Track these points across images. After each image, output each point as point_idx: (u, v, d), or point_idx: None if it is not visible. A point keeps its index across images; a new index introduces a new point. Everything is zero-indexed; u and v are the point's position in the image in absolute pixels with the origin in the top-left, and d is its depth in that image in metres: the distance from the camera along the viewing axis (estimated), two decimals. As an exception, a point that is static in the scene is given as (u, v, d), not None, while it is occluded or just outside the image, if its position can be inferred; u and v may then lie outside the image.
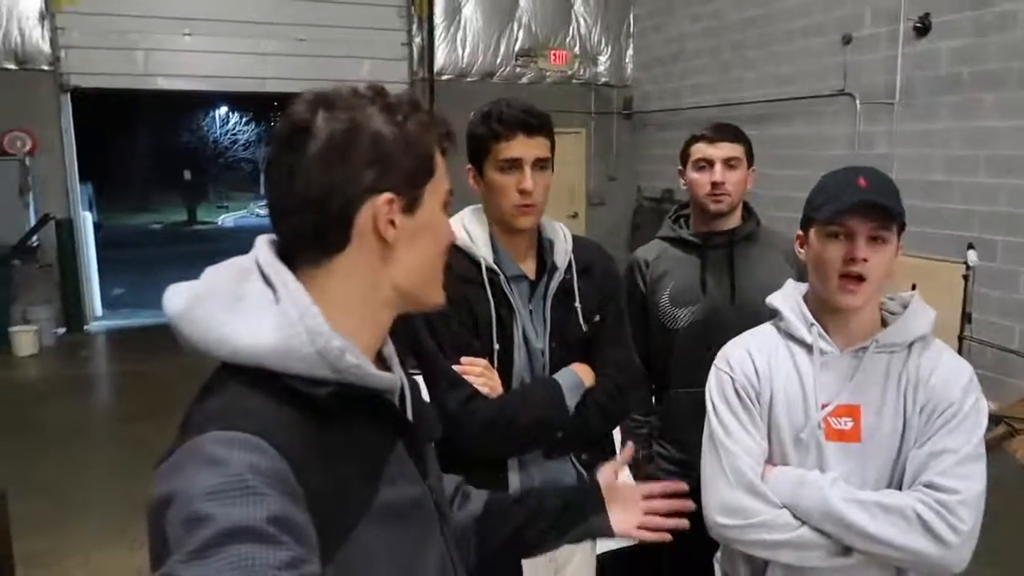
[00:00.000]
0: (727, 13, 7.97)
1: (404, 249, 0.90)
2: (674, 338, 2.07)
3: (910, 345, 1.41)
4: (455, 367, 1.56)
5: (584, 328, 1.69)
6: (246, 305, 0.84)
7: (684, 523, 1.26)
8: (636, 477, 2.29)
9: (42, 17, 7.76)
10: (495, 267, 1.63)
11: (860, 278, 1.35)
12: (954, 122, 5.61)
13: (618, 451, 1.84)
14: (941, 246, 5.62)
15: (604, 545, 1.99)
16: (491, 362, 1.62)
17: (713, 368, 1.54)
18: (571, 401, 1.61)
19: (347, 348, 0.84)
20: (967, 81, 5.49)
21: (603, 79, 9.84)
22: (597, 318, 1.71)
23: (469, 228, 1.67)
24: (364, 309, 0.91)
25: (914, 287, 5.31)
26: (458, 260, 1.62)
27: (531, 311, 1.68)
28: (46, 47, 7.81)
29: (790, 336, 1.47)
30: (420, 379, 1.12)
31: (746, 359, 1.49)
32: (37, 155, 7.85)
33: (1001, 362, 5.37)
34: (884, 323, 1.45)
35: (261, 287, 0.86)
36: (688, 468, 2.08)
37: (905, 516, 1.30)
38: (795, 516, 1.37)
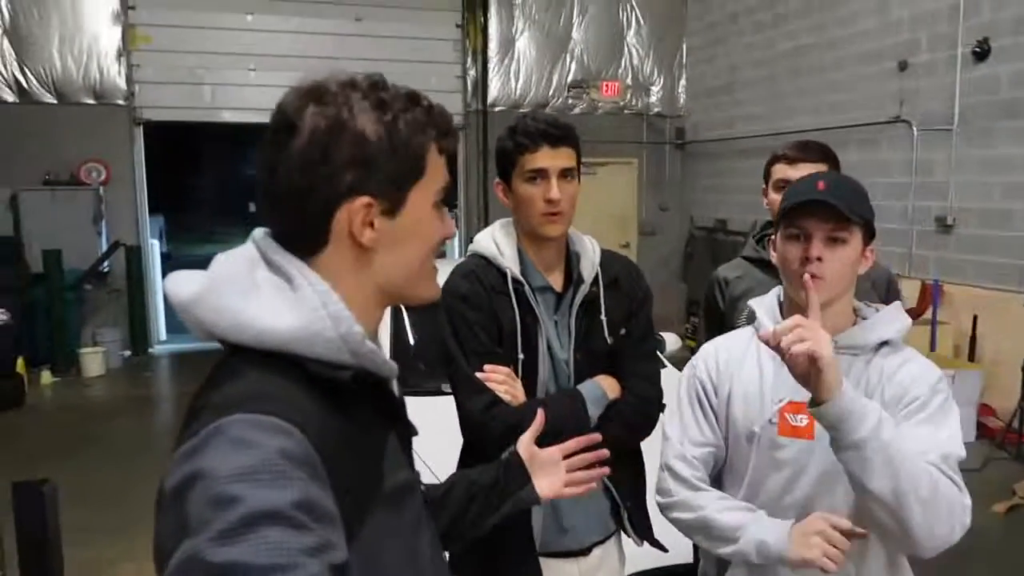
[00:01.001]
0: (780, 42, 7.94)
1: (385, 251, 0.90)
2: None
3: (878, 349, 1.43)
4: (478, 374, 1.60)
5: (609, 340, 1.71)
6: (263, 292, 0.84)
7: (605, 471, 1.38)
8: None
9: (119, 55, 8.23)
10: (520, 278, 1.67)
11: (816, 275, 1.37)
12: (1015, 147, 5.45)
13: (646, 467, 1.86)
14: (1002, 275, 5.44)
15: (633, 565, 1.98)
16: (516, 371, 1.65)
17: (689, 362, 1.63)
18: (594, 411, 1.63)
19: (364, 334, 0.86)
20: (1029, 106, 5.35)
21: (655, 109, 9.88)
22: (623, 331, 1.73)
23: (498, 240, 1.72)
24: (352, 303, 0.89)
25: (975, 319, 5.16)
26: (486, 271, 1.67)
27: (556, 322, 1.71)
28: (122, 83, 8.27)
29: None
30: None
31: (711, 356, 1.57)
32: (110, 185, 8.27)
33: (1070, 396, 5.13)
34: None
35: (271, 276, 0.86)
36: None
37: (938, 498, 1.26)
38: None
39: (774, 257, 1.52)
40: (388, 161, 0.87)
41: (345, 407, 0.85)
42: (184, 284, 0.85)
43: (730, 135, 8.78)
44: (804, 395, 1.39)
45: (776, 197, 2.03)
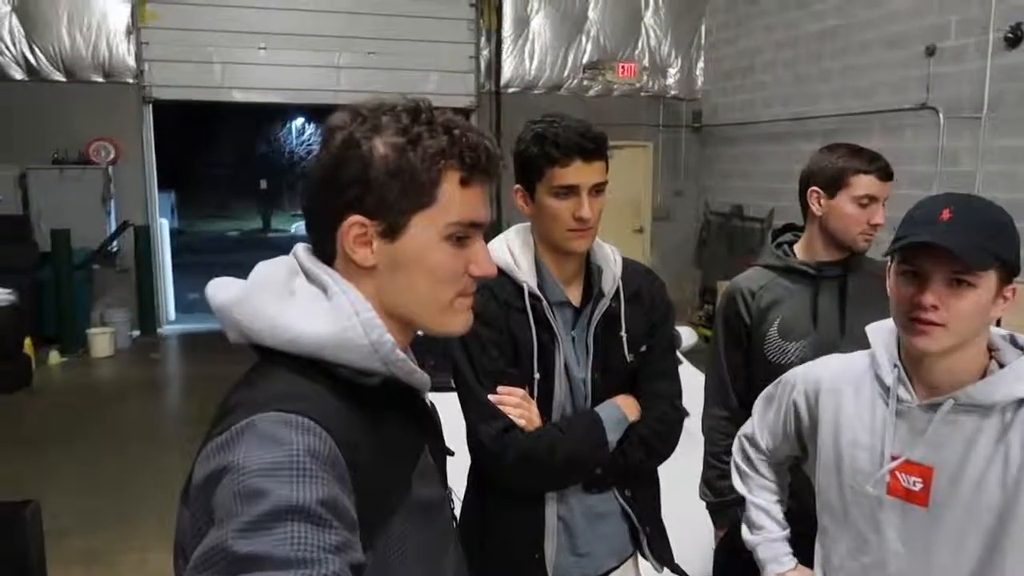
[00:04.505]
0: (804, 24, 7.72)
1: (389, 274, 0.90)
2: (783, 373, 1.95)
3: (1018, 409, 1.18)
4: (491, 396, 1.49)
5: (629, 358, 1.59)
6: (299, 299, 0.88)
7: None
8: (718, 523, 2.13)
9: (128, 32, 8.12)
10: (538, 292, 1.55)
11: (933, 322, 1.17)
12: (1047, 138, 5.27)
13: (663, 487, 1.76)
14: (1031, 270, 5.28)
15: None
16: (531, 391, 1.55)
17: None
18: (612, 437, 1.53)
19: (395, 343, 0.88)
20: (1063, 95, 5.15)
21: (672, 92, 9.67)
22: (644, 348, 1.62)
23: (514, 250, 1.59)
24: None
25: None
26: (500, 284, 1.55)
27: (573, 338, 1.59)
28: (131, 61, 8.16)
29: (876, 374, 1.33)
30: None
31: (814, 381, 1.44)
32: (119, 164, 8.19)
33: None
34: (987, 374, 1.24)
35: (308, 285, 0.90)
36: (788, 516, 1.95)
37: None
38: None
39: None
40: (388, 184, 0.87)
41: (375, 415, 0.87)
42: (224, 288, 0.90)
43: (749, 119, 8.58)
44: (919, 456, 1.24)
45: (854, 212, 1.87)
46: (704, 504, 2.14)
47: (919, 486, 1.24)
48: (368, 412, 0.86)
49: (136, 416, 6.11)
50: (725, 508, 2.08)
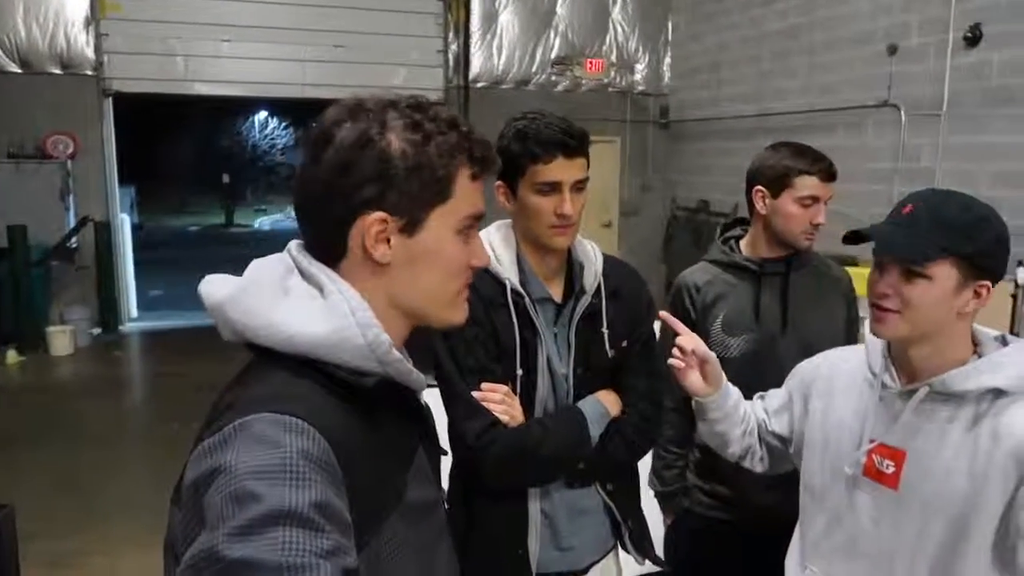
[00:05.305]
0: (768, 22, 7.82)
1: (402, 269, 0.90)
2: (725, 367, 1.98)
3: (993, 401, 1.21)
4: (474, 393, 1.49)
5: (610, 354, 1.61)
6: (294, 298, 0.87)
7: None
8: (666, 510, 2.19)
9: (87, 23, 7.91)
10: (520, 289, 1.55)
11: (888, 309, 1.25)
12: (1006, 135, 5.40)
13: (641, 480, 1.78)
14: (989, 264, 5.42)
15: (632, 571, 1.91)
16: (514, 387, 1.55)
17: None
18: (595, 432, 1.54)
19: (391, 343, 0.87)
20: (1020, 93, 5.29)
21: (639, 87, 9.74)
22: (625, 344, 1.63)
23: (496, 247, 1.59)
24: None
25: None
26: (482, 280, 1.54)
27: (555, 335, 1.60)
28: (90, 52, 7.96)
29: (868, 361, 1.40)
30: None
31: (828, 364, 1.49)
32: (78, 158, 7.99)
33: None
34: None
35: (303, 284, 0.89)
36: (730, 504, 2.01)
37: None
38: None
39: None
40: (409, 180, 0.87)
41: (370, 416, 0.87)
42: (218, 286, 0.88)
43: (715, 115, 8.68)
44: (894, 440, 1.29)
45: (796, 212, 1.90)
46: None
47: (891, 469, 1.29)
48: (363, 413, 0.86)
49: (99, 415, 5.98)
50: (673, 496, 2.15)
